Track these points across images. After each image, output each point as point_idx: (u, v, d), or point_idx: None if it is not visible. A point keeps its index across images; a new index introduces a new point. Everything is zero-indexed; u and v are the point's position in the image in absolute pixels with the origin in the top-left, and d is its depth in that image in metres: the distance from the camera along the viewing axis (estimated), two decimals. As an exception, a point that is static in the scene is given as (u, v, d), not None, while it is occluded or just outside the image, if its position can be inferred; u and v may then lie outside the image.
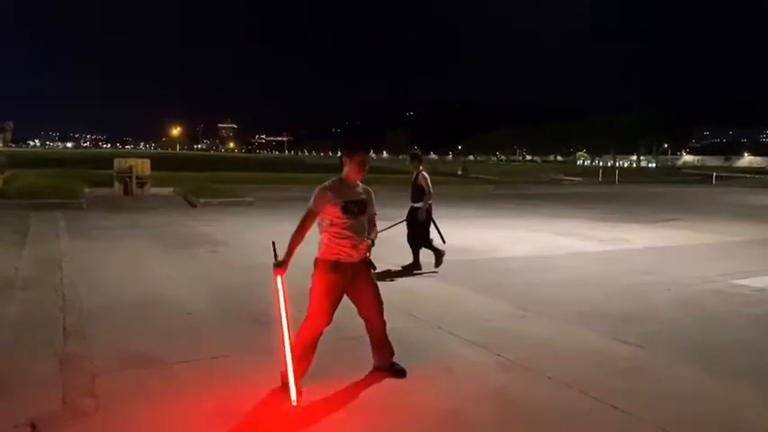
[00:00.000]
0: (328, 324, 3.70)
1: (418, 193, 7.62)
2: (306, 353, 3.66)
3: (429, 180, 7.68)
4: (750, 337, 5.15)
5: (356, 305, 3.85)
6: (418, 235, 7.64)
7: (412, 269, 7.38)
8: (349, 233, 3.64)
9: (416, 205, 7.64)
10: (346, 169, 3.75)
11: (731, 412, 3.56)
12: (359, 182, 3.81)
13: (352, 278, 3.71)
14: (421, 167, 7.78)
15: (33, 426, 3.09)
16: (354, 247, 3.66)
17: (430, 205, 7.70)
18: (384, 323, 3.90)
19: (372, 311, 3.85)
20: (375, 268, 3.83)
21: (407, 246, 7.66)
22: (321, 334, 3.71)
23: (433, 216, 7.82)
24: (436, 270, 7.43)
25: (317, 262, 3.71)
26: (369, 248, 3.75)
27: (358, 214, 3.68)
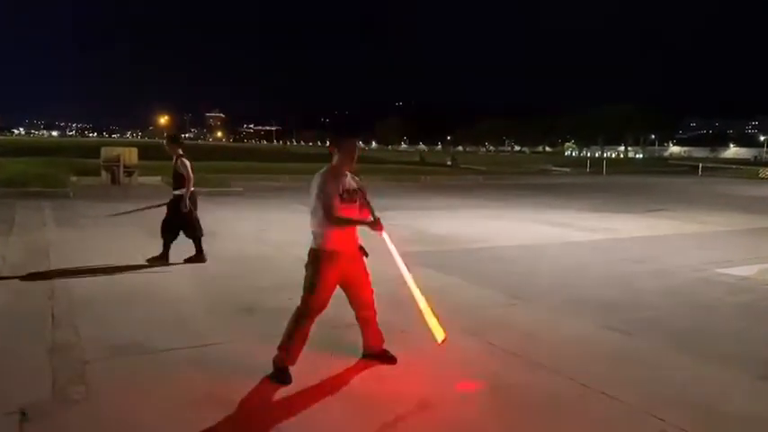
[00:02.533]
0: (322, 311, 3.71)
1: (179, 180, 6.91)
2: (299, 343, 3.67)
3: (190, 166, 6.95)
4: (735, 324, 5.23)
5: (347, 292, 3.86)
6: (184, 225, 6.99)
7: (159, 261, 6.84)
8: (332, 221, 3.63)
9: (178, 193, 6.93)
10: (337, 158, 3.73)
11: (717, 397, 3.62)
12: (349, 171, 3.79)
13: (347, 266, 3.72)
14: (180, 151, 7.00)
15: (24, 413, 3.08)
16: (350, 236, 3.69)
17: (193, 193, 7.02)
18: (375, 311, 3.92)
19: (365, 299, 3.87)
20: (367, 255, 3.84)
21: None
22: (311, 322, 3.71)
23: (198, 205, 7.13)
24: (183, 262, 6.91)
25: (313, 252, 3.69)
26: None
27: (351, 204, 3.69)
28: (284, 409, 3.30)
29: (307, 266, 3.72)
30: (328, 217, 3.57)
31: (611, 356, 4.27)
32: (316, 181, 3.65)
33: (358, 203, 3.76)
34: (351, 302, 3.90)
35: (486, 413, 3.34)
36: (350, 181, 3.75)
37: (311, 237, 3.72)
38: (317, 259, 3.66)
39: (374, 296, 3.92)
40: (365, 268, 3.85)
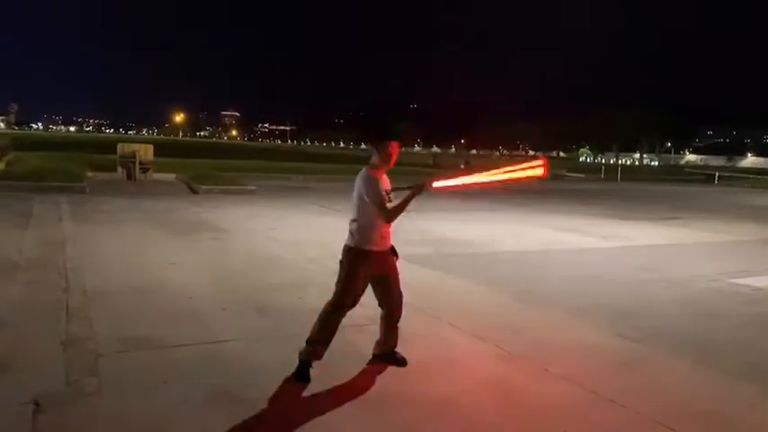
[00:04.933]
0: (351, 307, 3.75)
1: None
2: (328, 338, 3.70)
3: None
4: (747, 335, 5.18)
5: (376, 292, 3.87)
6: None
7: None
8: (383, 222, 3.69)
9: None
10: (378, 159, 3.73)
11: (726, 407, 3.60)
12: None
13: (379, 266, 3.74)
14: None
15: (37, 404, 3.13)
16: (386, 237, 3.73)
17: None
18: (396, 319, 3.93)
19: (394, 300, 3.88)
20: (398, 256, 3.86)
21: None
22: (340, 318, 3.74)
23: None
24: None
25: (350, 250, 3.72)
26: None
27: (389, 201, 3.73)
28: (296, 408, 3.33)
29: (342, 263, 3.75)
30: (384, 214, 3.64)
31: (622, 364, 4.26)
32: (362, 182, 3.68)
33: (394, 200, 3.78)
34: (379, 302, 3.91)
35: (495, 418, 3.34)
36: (389, 182, 3.81)
37: (348, 234, 3.75)
38: (354, 258, 3.69)
39: (402, 299, 3.92)
40: (396, 269, 3.87)
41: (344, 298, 3.70)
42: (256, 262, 7.18)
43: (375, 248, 3.70)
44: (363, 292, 3.76)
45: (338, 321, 3.72)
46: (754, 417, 3.52)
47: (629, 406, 3.49)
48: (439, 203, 15.95)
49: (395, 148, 3.74)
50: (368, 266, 3.70)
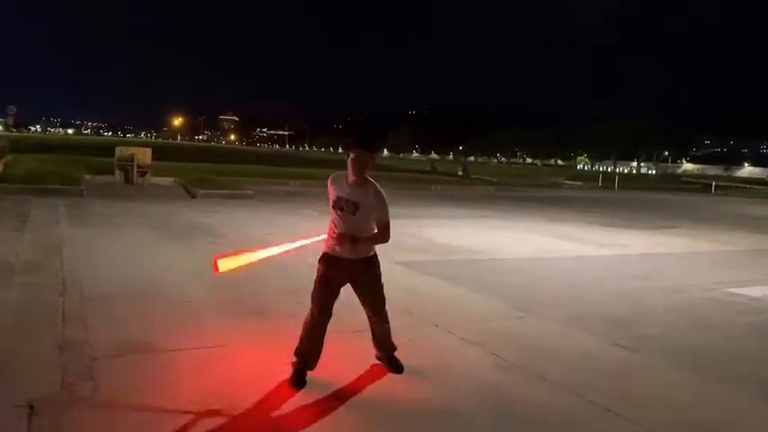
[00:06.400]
0: (324, 315, 3.72)
1: None
2: (311, 347, 3.71)
3: None
4: (745, 344, 5.19)
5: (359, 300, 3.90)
6: None
7: None
8: (338, 229, 3.65)
9: None
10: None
11: (723, 418, 3.60)
12: (359, 180, 3.63)
13: (349, 276, 3.74)
14: None
15: (32, 407, 3.11)
16: (342, 244, 3.63)
17: None
18: (381, 323, 3.93)
19: (370, 311, 3.89)
20: (378, 268, 3.85)
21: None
22: (318, 327, 3.72)
23: None
24: None
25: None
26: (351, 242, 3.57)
27: (348, 213, 3.61)
28: (291, 414, 3.32)
29: None
30: None
31: (618, 373, 4.26)
32: None
33: (359, 216, 3.60)
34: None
35: (492, 426, 3.34)
36: (361, 192, 3.62)
37: None
38: (319, 260, 3.79)
39: (382, 309, 3.90)
40: (369, 282, 3.81)
41: (312, 303, 3.74)
42: (254, 267, 7.16)
43: (330, 252, 3.72)
44: (330, 297, 3.72)
45: (313, 329, 3.70)
46: (751, 426, 3.53)
47: (625, 415, 3.49)
48: (437, 210, 15.96)
49: (356, 156, 3.61)
50: (325, 270, 3.72)
